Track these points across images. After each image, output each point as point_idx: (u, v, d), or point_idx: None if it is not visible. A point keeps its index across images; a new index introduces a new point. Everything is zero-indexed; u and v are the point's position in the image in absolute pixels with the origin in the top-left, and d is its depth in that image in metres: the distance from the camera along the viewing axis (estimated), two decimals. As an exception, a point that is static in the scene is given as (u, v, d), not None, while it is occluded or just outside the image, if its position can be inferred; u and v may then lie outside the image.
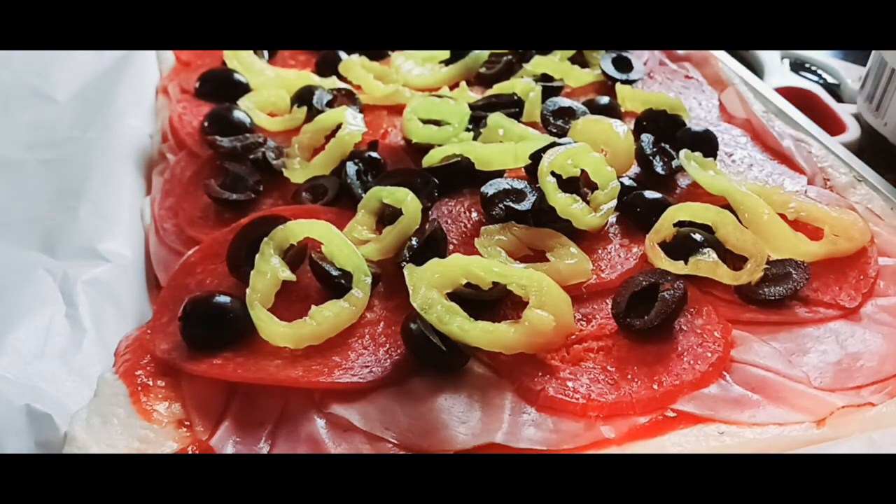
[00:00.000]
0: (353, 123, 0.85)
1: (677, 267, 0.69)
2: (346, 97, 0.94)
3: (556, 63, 1.00)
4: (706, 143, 0.85)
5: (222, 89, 0.96)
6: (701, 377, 0.61)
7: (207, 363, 0.62)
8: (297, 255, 0.70)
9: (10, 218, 0.75)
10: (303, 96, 0.93)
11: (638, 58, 1.04)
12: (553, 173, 0.74)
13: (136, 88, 0.99)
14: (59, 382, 0.61)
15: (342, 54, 1.02)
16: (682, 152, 0.80)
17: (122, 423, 0.59)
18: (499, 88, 0.94)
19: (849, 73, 1.17)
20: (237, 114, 0.90)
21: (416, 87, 0.98)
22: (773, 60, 1.20)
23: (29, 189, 0.79)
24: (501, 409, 0.60)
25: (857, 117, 1.05)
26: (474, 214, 0.77)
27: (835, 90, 1.16)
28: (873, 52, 1.01)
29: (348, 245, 0.69)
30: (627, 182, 0.78)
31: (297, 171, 0.83)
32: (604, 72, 1.00)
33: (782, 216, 0.73)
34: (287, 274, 0.67)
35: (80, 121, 0.89)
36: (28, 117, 0.86)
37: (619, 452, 0.57)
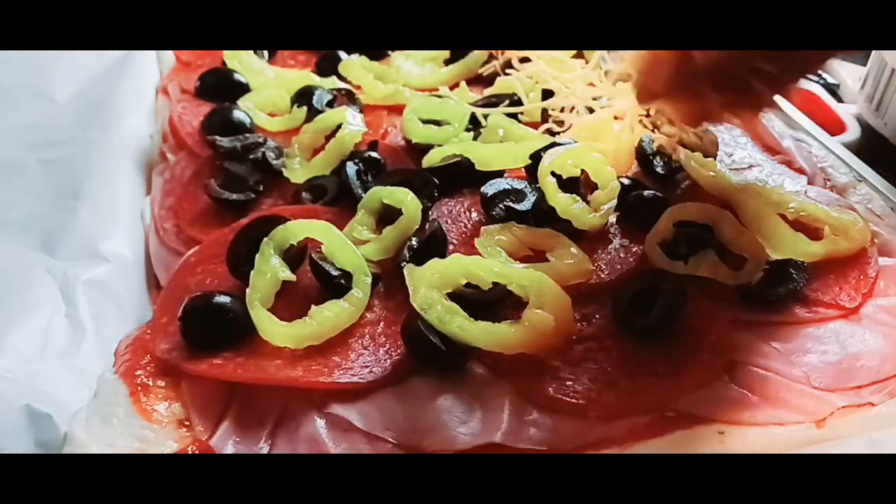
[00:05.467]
0: (353, 123, 0.85)
1: (677, 267, 0.69)
2: (346, 97, 0.94)
3: (555, 63, 1.00)
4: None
5: (222, 89, 0.96)
6: (701, 377, 0.61)
7: (207, 363, 0.62)
8: (297, 255, 0.70)
9: (10, 218, 0.75)
10: (303, 96, 0.93)
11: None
12: (553, 173, 0.74)
13: (136, 88, 0.99)
14: (59, 382, 0.61)
15: (342, 54, 1.02)
16: (682, 152, 0.80)
17: (122, 423, 0.59)
18: (499, 88, 0.94)
19: (849, 73, 1.16)
20: (237, 114, 0.90)
21: (416, 87, 0.98)
22: (774, 60, 1.20)
23: (29, 189, 0.79)
24: (501, 409, 0.60)
25: (857, 117, 1.05)
26: (474, 214, 0.77)
27: (835, 90, 1.16)
28: (873, 52, 1.01)
29: (348, 245, 0.69)
30: (627, 182, 0.78)
31: (297, 171, 0.83)
32: (604, 72, 1.00)
33: (782, 216, 0.73)
34: (287, 274, 0.67)
35: (80, 121, 0.88)
36: (28, 117, 0.86)
37: (619, 452, 0.57)
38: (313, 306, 0.64)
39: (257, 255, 0.67)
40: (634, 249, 0.73)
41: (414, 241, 0.69)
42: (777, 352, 0.64)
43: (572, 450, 0.57)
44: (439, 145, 0.83)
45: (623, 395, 0.60)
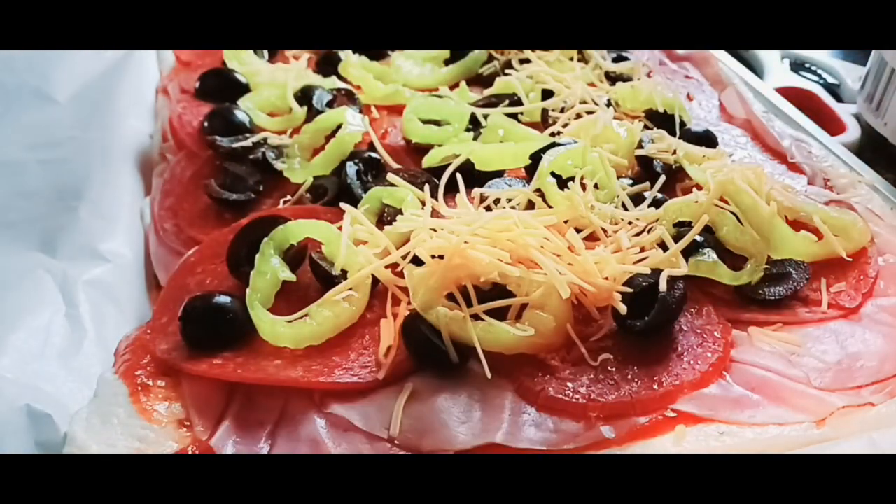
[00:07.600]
0: (353, 123, 0.85)
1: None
2: (346, 97, 0.94)
3: (555, 63, 1.00)
4: (706, 143, 0.85)
5: (222, 89, 0.96)
6: (701, 377, 0.61)
7: (207, 363, 0.62)
8: (297, 255, 0.70)
9: (10, 218, 0.75)
10: (303, 96, 0.93)
11: (638, 58, 1.04)
12: (553, 173, 0.74)
13: (136, 88, 0.99)
14: (59, 382, 0.61)
15: (342, 54, 1.02)
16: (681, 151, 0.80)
17: (122, 423, 0.59)
18: (499, 88, 0.94)
19: (849, 73, 1.17)
20: (237, 114, 0.90)
21: (416, 87, 0.98)
22: (773, 60, 1.20)
23: (29, 189, 0.79)
24: (501, 409, 0.60)
25: (857, 117, 1.05)
26: (474, 214, 0.77)
27: (835, 90, 1.16)
28: (873, 52, 1.01)
29: (348, 245, 0.69)
30: (627, 182, 0.78)
31: (297, 171, 0.82)
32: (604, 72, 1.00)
33: (782, 216, 0.73)
34: (287, 274, 0.67)
35: (80, 121, 0.88)
36: (28, 117, 0.86)
37: (619, 452, 0.57)
38: (313, 306, 0.64)
39: (257, 255, 0.67)
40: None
41: (414, 241, 0.69)
42: (777, 352, 0.64)
43: (572, 450, 0.57)
44: (439, 145, 0.83)
45: (623, 395, 0.60)
